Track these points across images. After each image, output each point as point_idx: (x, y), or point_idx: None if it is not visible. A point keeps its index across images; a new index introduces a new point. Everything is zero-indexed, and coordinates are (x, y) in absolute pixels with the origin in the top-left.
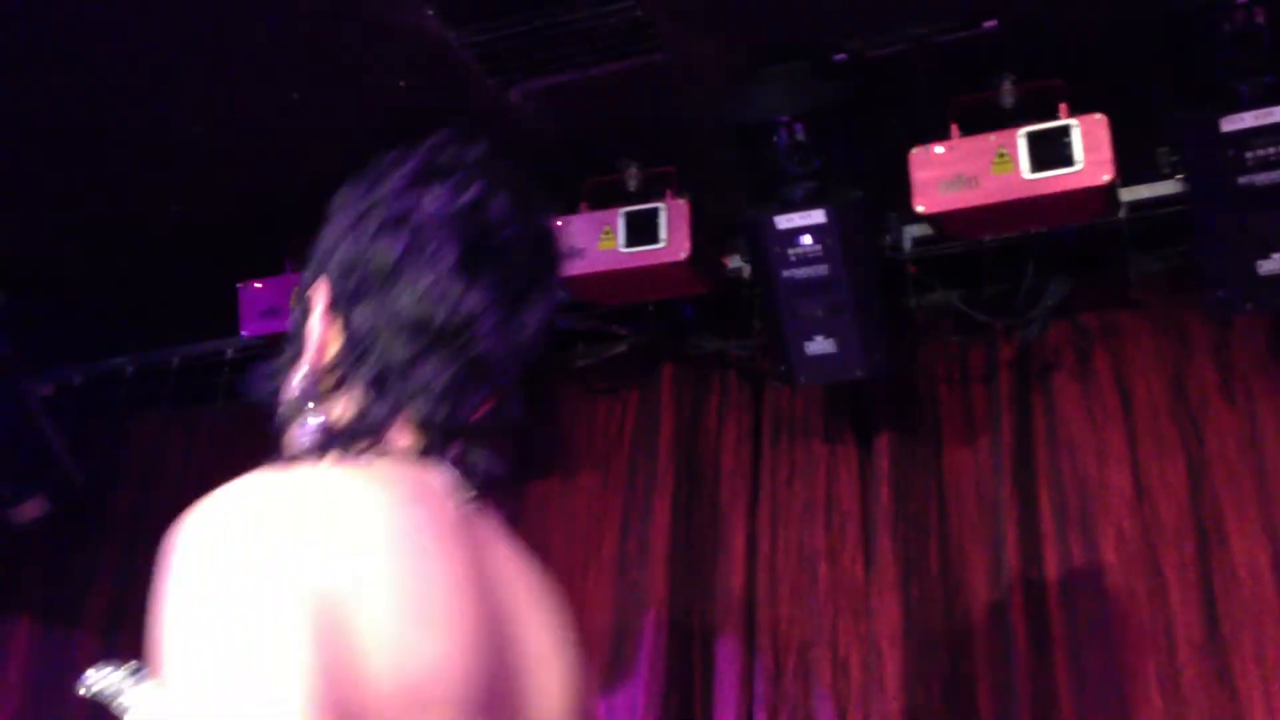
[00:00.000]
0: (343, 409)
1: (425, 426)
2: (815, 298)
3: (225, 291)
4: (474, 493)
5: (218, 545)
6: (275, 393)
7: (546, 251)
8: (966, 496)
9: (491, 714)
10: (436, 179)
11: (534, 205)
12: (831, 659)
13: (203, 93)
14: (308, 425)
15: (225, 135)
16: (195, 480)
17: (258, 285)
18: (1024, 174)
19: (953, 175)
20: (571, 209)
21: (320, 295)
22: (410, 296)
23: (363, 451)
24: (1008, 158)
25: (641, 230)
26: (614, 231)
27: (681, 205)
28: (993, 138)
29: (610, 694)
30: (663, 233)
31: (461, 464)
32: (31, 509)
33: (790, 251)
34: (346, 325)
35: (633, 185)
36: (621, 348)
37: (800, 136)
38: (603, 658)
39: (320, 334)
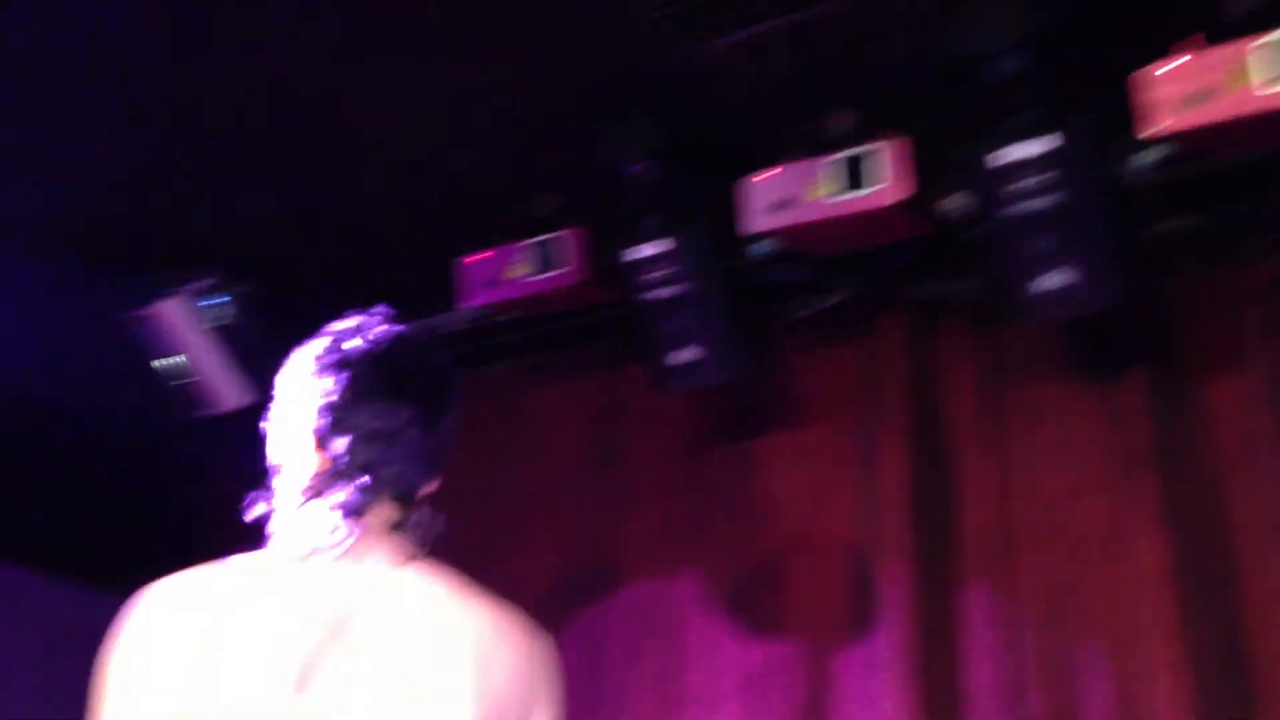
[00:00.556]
0: None
1: None
2: (1043, 231)
3: (442, 267)
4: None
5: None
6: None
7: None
8: (1226, 433)
9: None
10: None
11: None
12: (1086, 605)
13: (408, 68)
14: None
15: (432, 112)
16: None
17: (477, 257)
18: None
19: (1191, 91)
20: (780, 159)
21: None
22: None
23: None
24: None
25: (855, 176)
26: (825, 179)
27: (895, 146)
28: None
29: (863, 642)
30: (877, 176)
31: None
32: None
33: (1014, 185)
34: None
35: (842, 131)
36: (841, 298)
37: (1020, 64)
38: (844, 611)
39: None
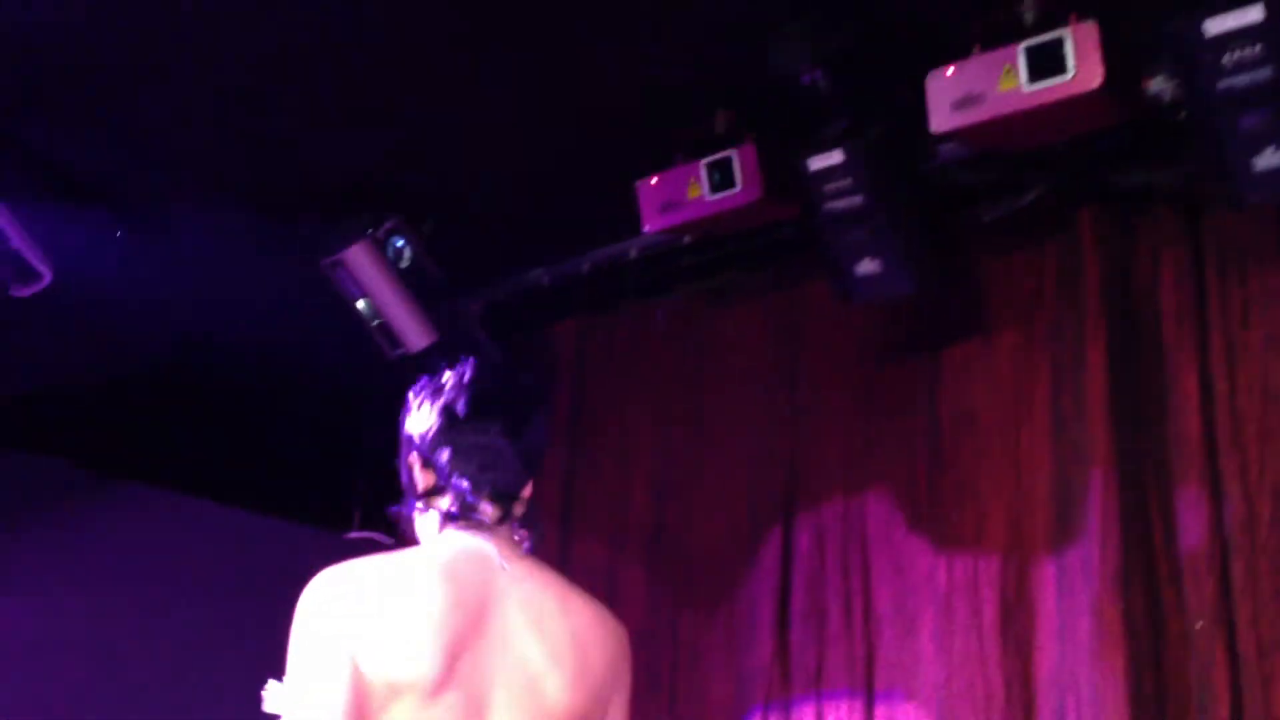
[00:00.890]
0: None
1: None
2: (1263, 106)
3: (619, 194)
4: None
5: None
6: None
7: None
8: None
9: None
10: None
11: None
12: None
13: None
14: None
15: (605, 34)
16: (617, 379)
17: (654, 181)
18: None
19: None
20: (964, 54)
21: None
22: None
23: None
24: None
25: (1045, 63)
26: (1014, 69)
27: (1088, 29)
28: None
29: (1061, 556)
30: (1070, 62)
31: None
32: None
33: (1227, 58)
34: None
35: (1030, 17)
36: (1034, 196)
37: None
38: (1047, 521)
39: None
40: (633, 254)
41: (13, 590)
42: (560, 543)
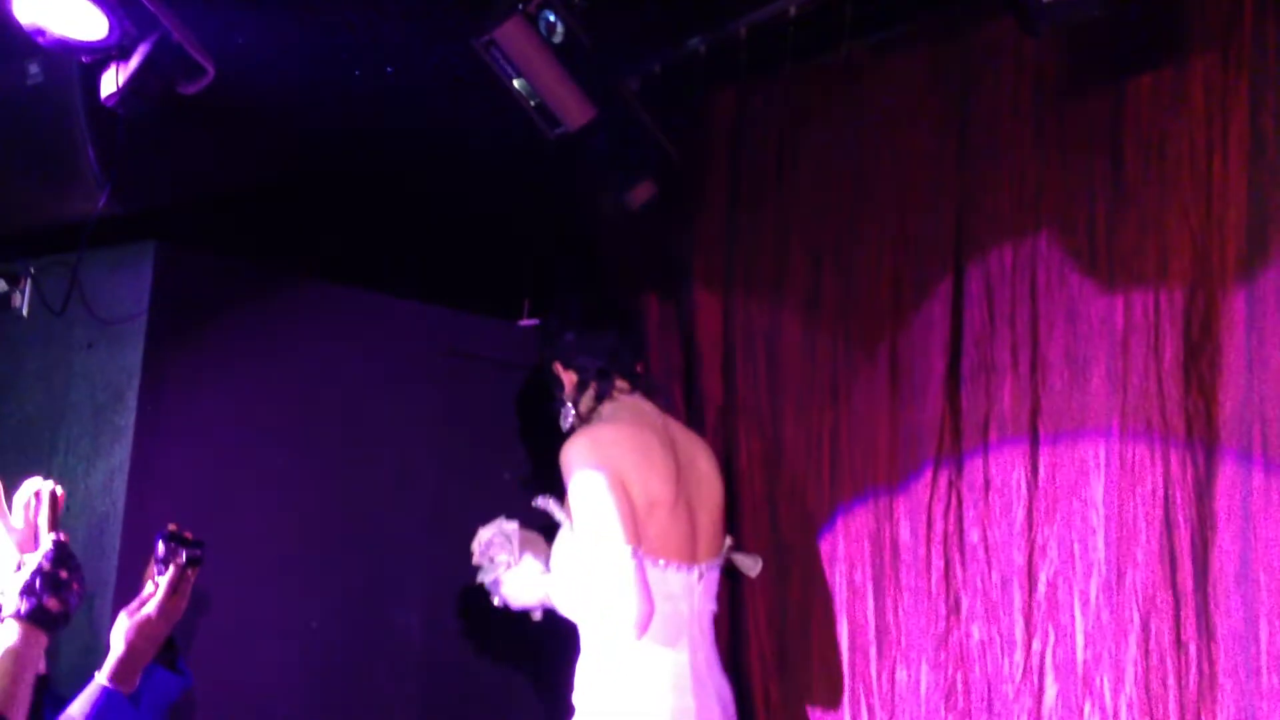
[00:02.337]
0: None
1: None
2: None
3: None
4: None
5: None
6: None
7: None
8: None
9: (681, 508)
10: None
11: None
12: None
13: None
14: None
15: None
16: (775, 144)
17: None
18: None
19: None
20: None
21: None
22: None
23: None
24: None
25: None
26: None
27: None
28: None
29: (1252, 285)
30: None
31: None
32: (642, 193)
33: None
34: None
35: None
36: None
37: None
38: (1238, 250)
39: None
40: (792, 12)
41: (204, 383)
42: (723, 311)
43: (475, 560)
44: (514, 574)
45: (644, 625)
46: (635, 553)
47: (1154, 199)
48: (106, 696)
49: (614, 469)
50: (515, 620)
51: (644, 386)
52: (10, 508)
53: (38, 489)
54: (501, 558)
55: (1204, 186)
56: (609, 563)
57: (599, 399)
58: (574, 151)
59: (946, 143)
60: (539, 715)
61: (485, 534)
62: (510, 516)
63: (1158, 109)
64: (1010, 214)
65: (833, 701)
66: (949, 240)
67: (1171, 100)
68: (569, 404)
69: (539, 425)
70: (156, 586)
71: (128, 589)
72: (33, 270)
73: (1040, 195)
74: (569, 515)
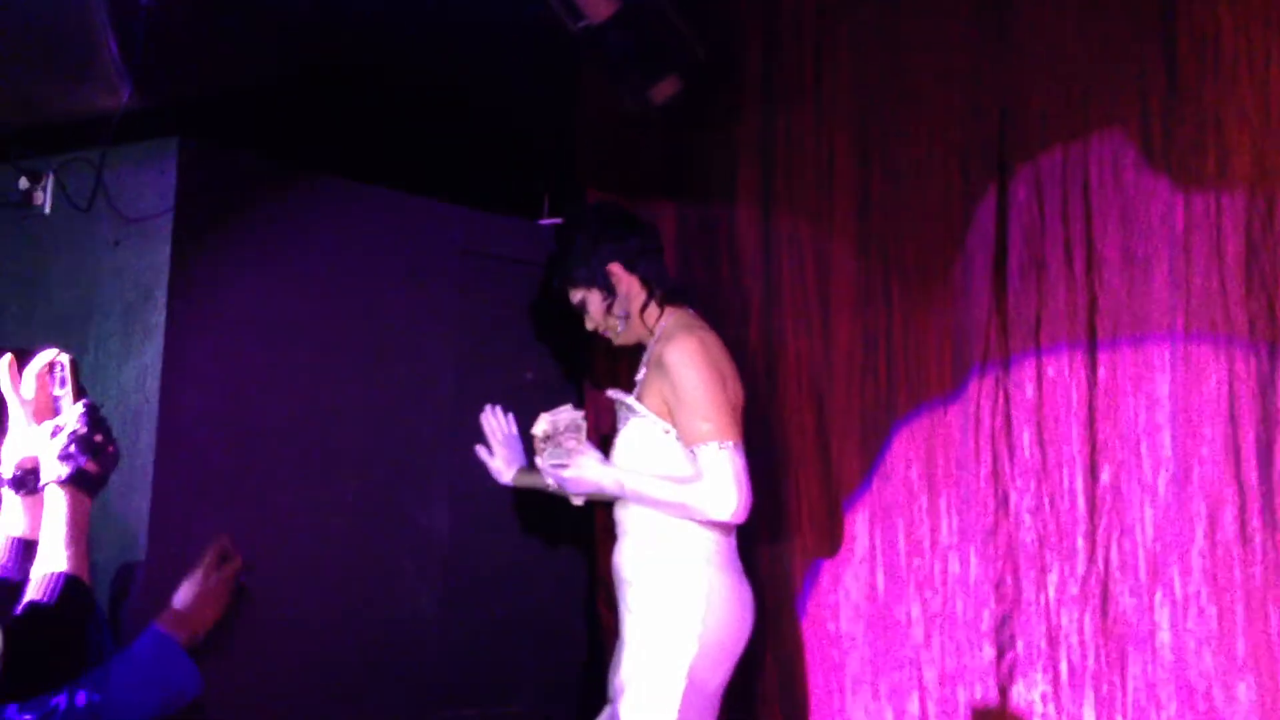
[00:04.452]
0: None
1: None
2: None
3: None
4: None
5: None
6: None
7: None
8: None
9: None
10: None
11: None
12: None
13: None
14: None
15: None
16: (811, 38)
17: None
18: None
19: None
20: None
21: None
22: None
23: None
24: None
25: None
26: None
27: None
28: None
29: None
30: None
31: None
32: (666, 88)
33: None
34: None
35: None
36: None
37: None
38: None
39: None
40: None
41: (231, 280)
42: (762, 221)
43: (540, 443)
44: (587, 459)
45: (745, 513)
46: (741, 446)
47: (1210, 97)
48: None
49: (720, 371)
50: (538, 514)
51: (692, 299)
52: (21, 378)
53: (54, 359)
54: (571, 444)
55: (1262, 85)
56: (720, 455)
57: (662, 306)
58: (598, 46)
59: (988, 38)
60: (564, 605)
61: (560, 419)
62: (534, 413)
63: (1210, 3)
64: (1058, 110)
65: (892, 594)
66: (995, 138)
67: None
68: (621, 309)
69: (559, 324)
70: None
71: (162, 485)
72: (55, 168)
73: (1091, 91)
74: (652, 409)
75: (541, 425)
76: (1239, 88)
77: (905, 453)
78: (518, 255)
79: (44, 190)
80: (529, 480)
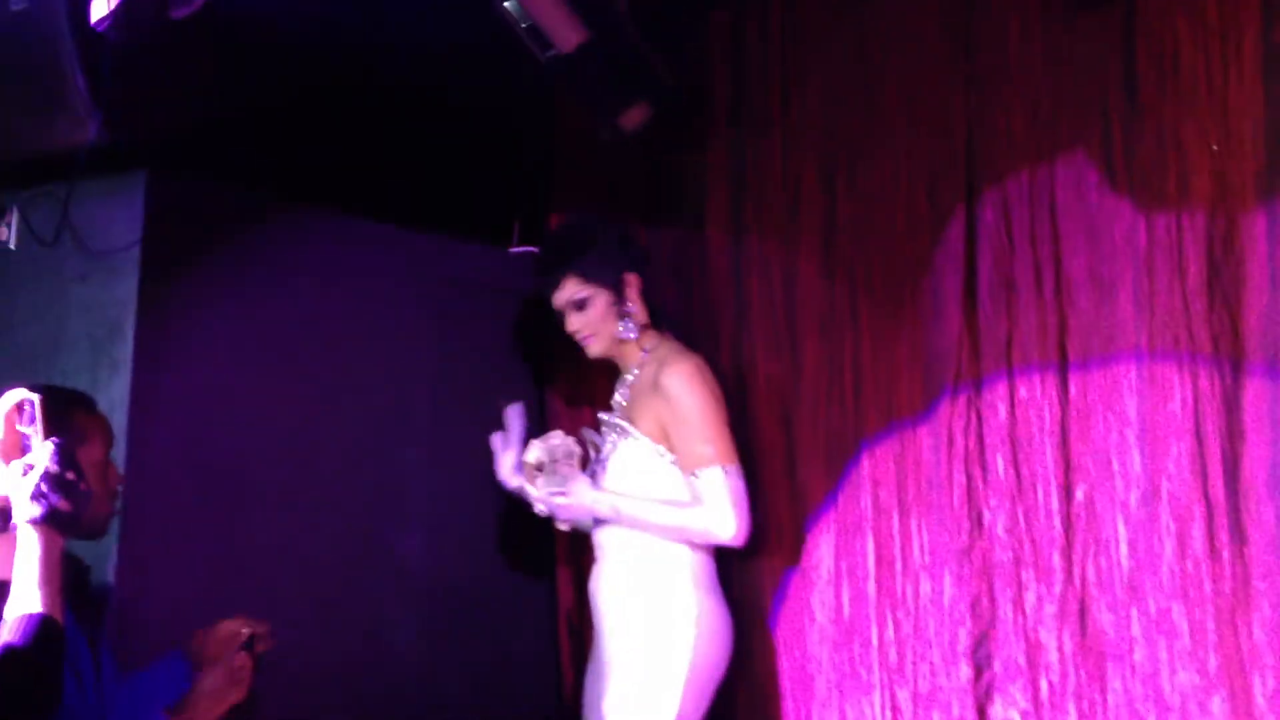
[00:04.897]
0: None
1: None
2: None
3: None
4: None
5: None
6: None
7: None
8: None
9: None
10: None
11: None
12: None
13: None
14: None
15: None
16: (778, 64)
17: None
18: None
19: None
20: None
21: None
22: None
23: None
24: None
25: None
26: None
27: None
28: None
29: (1271, 204)
30: None
31: None
32: (636, 115)
33: None
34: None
35: None
36: None
37: None
38: (1256, 168)
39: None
40: None
41: (201, 314)
42: (732, 246)
43: (534, 471)
44: (581, 485)
45: (745, 537)
46: (740, 470)
47: (1170, 115)
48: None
49: (717, 395)
50: (515, 540)
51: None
52: None
53: (23, 398)
54: (566, 470)
55: (1220, 103)
56: (722, 478)
57: (660, 331)
58: (566, 75)
59: (955, 62)
60: (542, 632)
61: (556, 447)
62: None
63: (1170, 20)
64: (1025, 134)
65: (859, 615)
66: (962, 160)
67: (1185, 11)
68: (624, 321)
69: (533, 351)
70: None
71: (131, 522)
72: (20, 202)
73: (1056, 113)
74: (646, 432)
75: (535, 453)
76: (1198, 106)
77: (874, 474)
78: (490, 283)
79: (9, 225)
80: (521, 491)
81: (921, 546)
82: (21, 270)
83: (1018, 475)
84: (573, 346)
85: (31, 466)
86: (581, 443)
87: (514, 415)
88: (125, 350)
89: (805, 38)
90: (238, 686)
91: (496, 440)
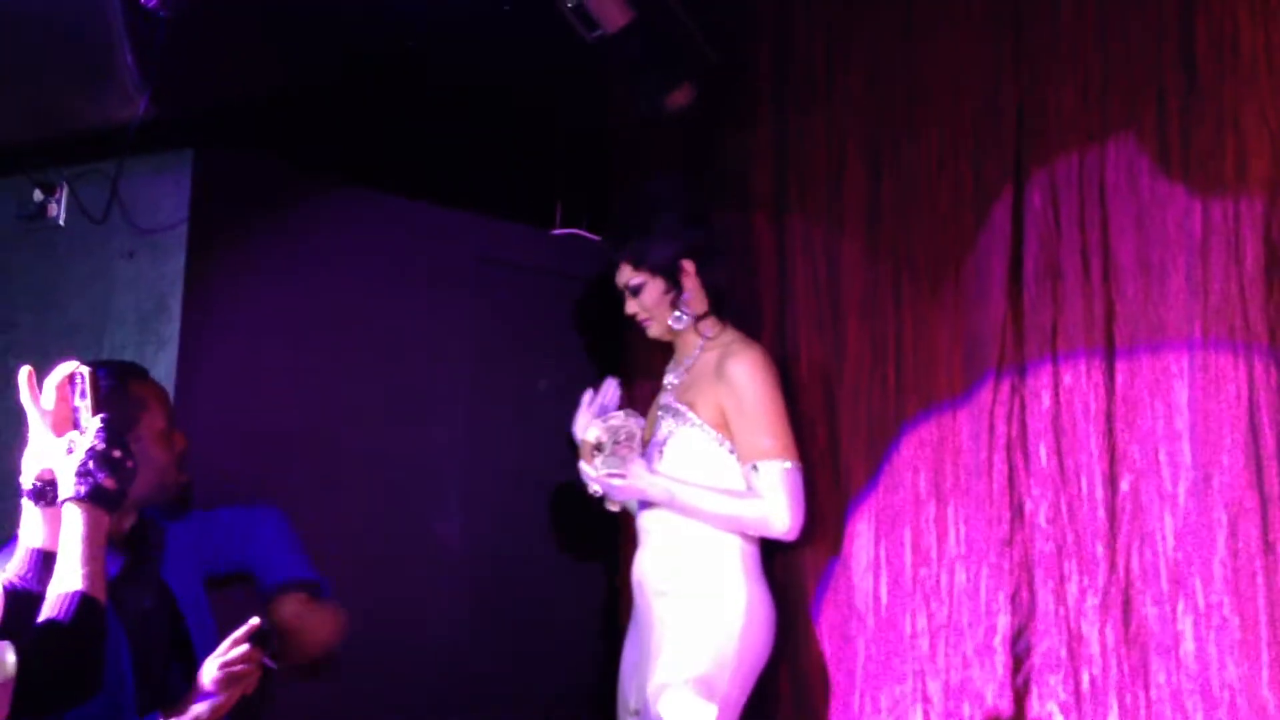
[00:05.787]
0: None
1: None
2: None
3: None
4: None
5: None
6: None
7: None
8: None
9: None
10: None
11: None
12: None
13: None
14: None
15: None
16: (824, 42)
17: None
18: None
19: None
20: None
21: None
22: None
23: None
24: None
25: None
26: None
27: None
28: None
29: None
30: None
31: None
32: (680, 95)
33: None
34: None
35: None
36: None
37: None
38: None
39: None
40: None
41: (246, 291)
42: (775, 231)
43: (594, 451)
44: (638, 467)
45: (799, 532)
46: (801, 467)
47: (1229, 97)
48: None
49: (780, 386)
50: (554, 519)
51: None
52: (41, 390)
53: (75, 370)
54: (624, 452)
55: None
56: (782, 473)
57: (723, 318)
58: (612, 55)
59: (1003, 39)
60: (580, 616)
61: (618, 428)
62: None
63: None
64: (1074, 113)
65: (895, 604)
66: (1010, 141)
67: None
68: (680, 308)
69: (573, 333)
70: None
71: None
72: (70, 179)
73: (1107, 92)
74: (707, 418)
75: (595, 431)
76: (1258, 87)
77: (913, 459)
78: (532, 263)
79: (58, 202)
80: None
81: (958, 536)
82: (70, 246)
83: (1061, 464)
84: (628, 325)
85: (78, 443)
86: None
87: (611, 384)
88: (171, 327)
89: (850, 15)
90: (241, 681)
91: (586, 395)
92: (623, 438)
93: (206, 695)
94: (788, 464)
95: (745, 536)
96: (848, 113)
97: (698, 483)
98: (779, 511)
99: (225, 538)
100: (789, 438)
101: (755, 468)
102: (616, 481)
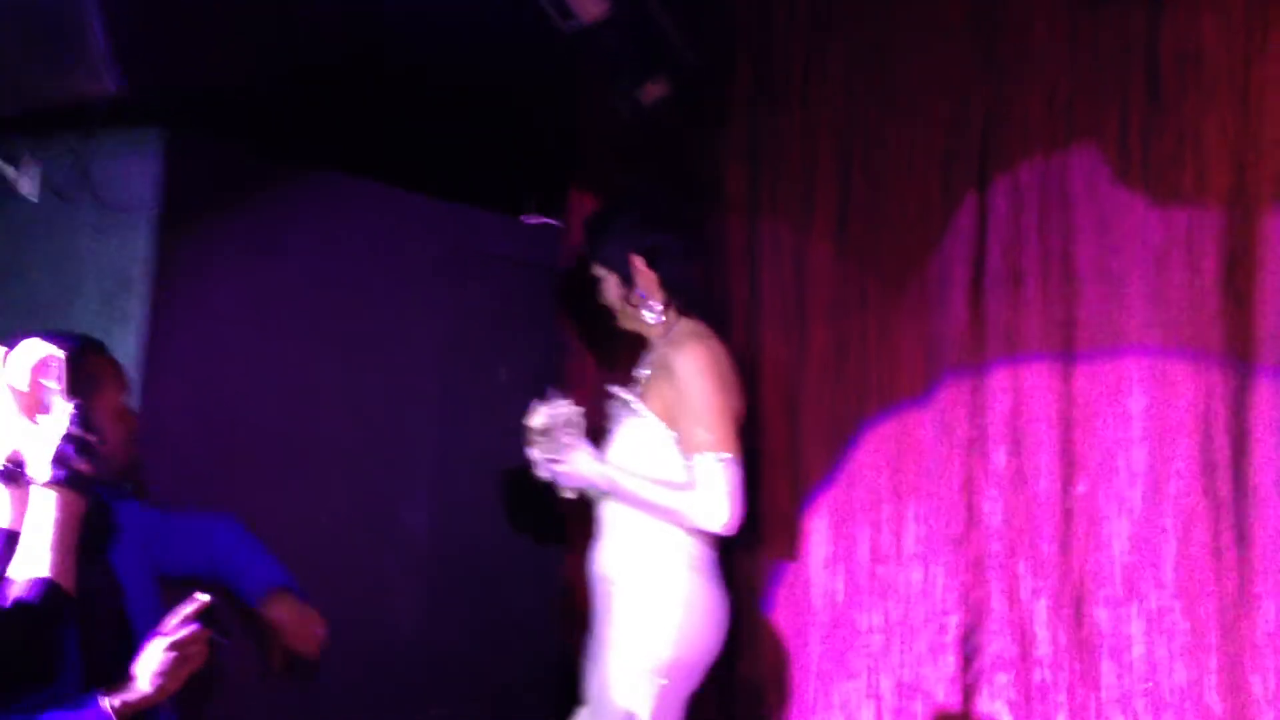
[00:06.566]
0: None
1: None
2: None
3: None
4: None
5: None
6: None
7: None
8: None
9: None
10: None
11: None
12: None
13: None
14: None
15: None
16: (800, 47)
17: None
18: None
19: None
20: None
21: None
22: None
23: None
24: None
25: None
26: None
27: None
28: None
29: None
30: None
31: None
32: (654, 90)
33: None
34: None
35: None
36: None
37: None
38: (1275, 165)
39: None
40: None
41: (214, 273)
42: (748, 229)
43: (536, 436)
44: (581, 455)
45: (735, 528)
46: (738, 460)
47: (1191, 110)
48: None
49: (726, 383)
50: (519, 508)
51: (706, 310)
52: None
53: (49, 354)
54: (566, 439)
55: (1242, 99)
56: (717, 466)
57: (680, 313)
58: (587, 46)
59: (975, 49)
60: (542, 605)
61: (558, 414)
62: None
63: (1195, 16)
64: (1041, 123)
65: (851, 602)
66: (976, 148)
67: (1211, 7)
68: (637, 301)
69: (544, 322)
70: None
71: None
72: (38, 154)
73: (1073, 103)
74: (654, 410)
75: (538, 418)
76: (1218, 102)
77: (873, 459)
78: (504, 252)
79: (26, 177)
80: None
81: (915, 535)
82: (35, 220)
83: (1018, 466)
84: (600, 316)
85: (52, 427)
86: (589, 414)
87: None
88: (138, 305)
89: (830, 20)
90: (187, 662)
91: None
92: (560, 423)
93: (153, 675)
94: (723, 456)
95: (698, 533)
96: (822, 117)
97: (640, 474)
98: (713, 505)
99: (183, 542)
100: (727, 431)
101: (692, 460)
102: (558, 467)
